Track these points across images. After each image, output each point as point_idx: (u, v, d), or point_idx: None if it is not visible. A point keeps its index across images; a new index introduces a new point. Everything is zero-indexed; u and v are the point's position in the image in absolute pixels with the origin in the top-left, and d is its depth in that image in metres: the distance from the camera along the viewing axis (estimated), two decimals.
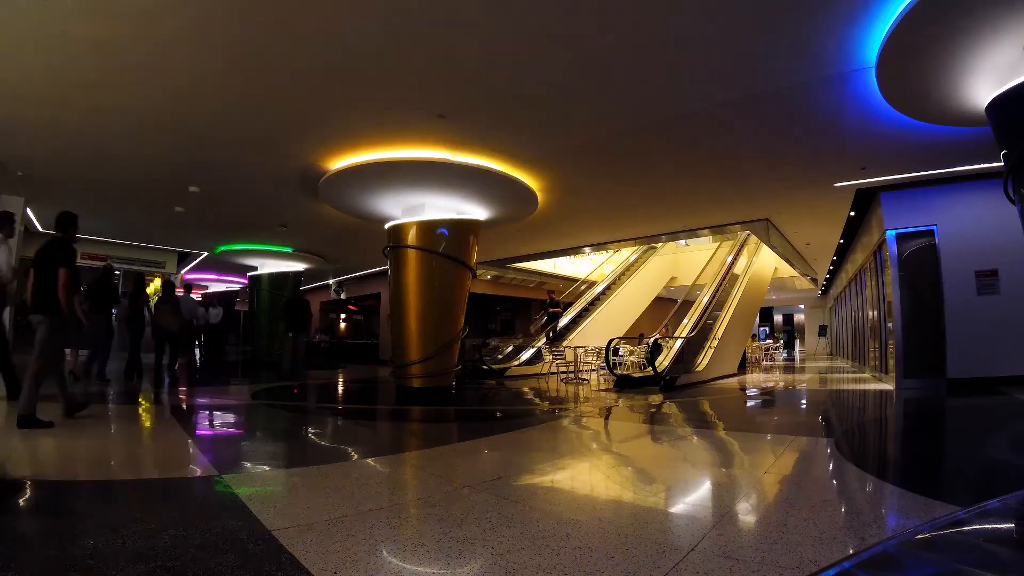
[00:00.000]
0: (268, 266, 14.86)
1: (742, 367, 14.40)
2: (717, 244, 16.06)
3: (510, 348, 14.03)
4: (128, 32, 4.26)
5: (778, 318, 32.30)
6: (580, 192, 8.55)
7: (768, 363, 18.18)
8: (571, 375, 11.36)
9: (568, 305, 15.32)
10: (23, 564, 1.77)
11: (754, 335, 19.48)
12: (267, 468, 3.66)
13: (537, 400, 8.20)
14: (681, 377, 9.92)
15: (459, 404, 7.77)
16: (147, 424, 5.33)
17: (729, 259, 13.46)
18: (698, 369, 10.70)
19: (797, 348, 29.42)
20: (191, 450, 4.02)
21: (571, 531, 2.31)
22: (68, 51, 4.56)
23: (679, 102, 5.38)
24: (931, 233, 8.00)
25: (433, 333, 8.24)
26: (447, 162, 6.80)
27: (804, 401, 8.38)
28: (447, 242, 8.25)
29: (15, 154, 7.17)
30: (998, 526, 0.77)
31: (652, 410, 7.02)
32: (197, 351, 12.01)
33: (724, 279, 12.73)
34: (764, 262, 14.88)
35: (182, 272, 17.04)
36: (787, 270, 16.66)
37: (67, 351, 8.13)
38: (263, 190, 8.57)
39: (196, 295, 21.66)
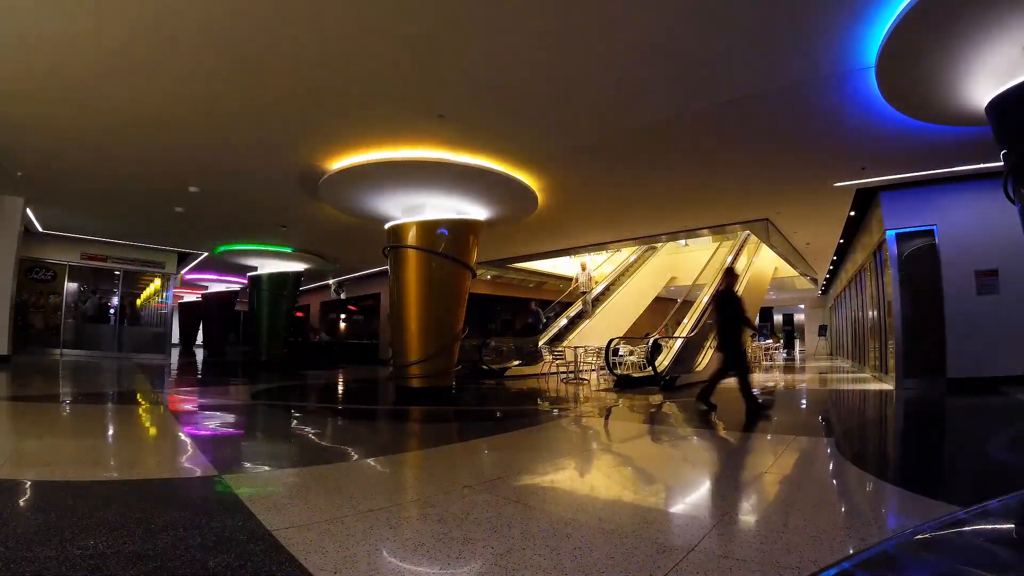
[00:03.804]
0: (268, 266, 14.86)
1: None
2: (717, 244, 16.07)
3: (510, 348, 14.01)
4: (129, 33, 4.26)
5: (778, 318, 32.30)
6: (580, 192, 8.55)
7: (768, 363, 18.17)
8: (571, 375, 11.35)
9: (568, 305, 15.32)
10: (22, 564, 1.77)
11: (754, 334, 19.44)
12: (267, 468, 3.66)
13: (537, 400, 8.20)
14: (681, 377, 9.92)
15: (459, 404, 7.76)
16: (146, 423, 5.33)
17: (729, 259, 13.45)
18: (698, 369, 10.69)
19: (797, 348, 29.44)
20: (191, 449, 4.02)
21: (571, 531, 2.31)
22: (69, 52, 4.56)
23: (679, 102, 5.37)
24: (931, 233, 8.00)
25: (433, 333, 8.24)
26: (447, 162, 6.79)
27: (804, 401, 8.38)
28: (447, 242, 8.25)
29: (15, 154, 7.17)
30: (998, 526, 0.77)
31: (652, 410, 7.02)
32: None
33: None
34: (764, 262, 14.88)
35: (182, 272, 17.04)
36: (787, 270, 16.66)
37: None
38: (263, 190, 8.57)
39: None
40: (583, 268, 15.10)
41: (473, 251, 8.73)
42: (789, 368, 16.77)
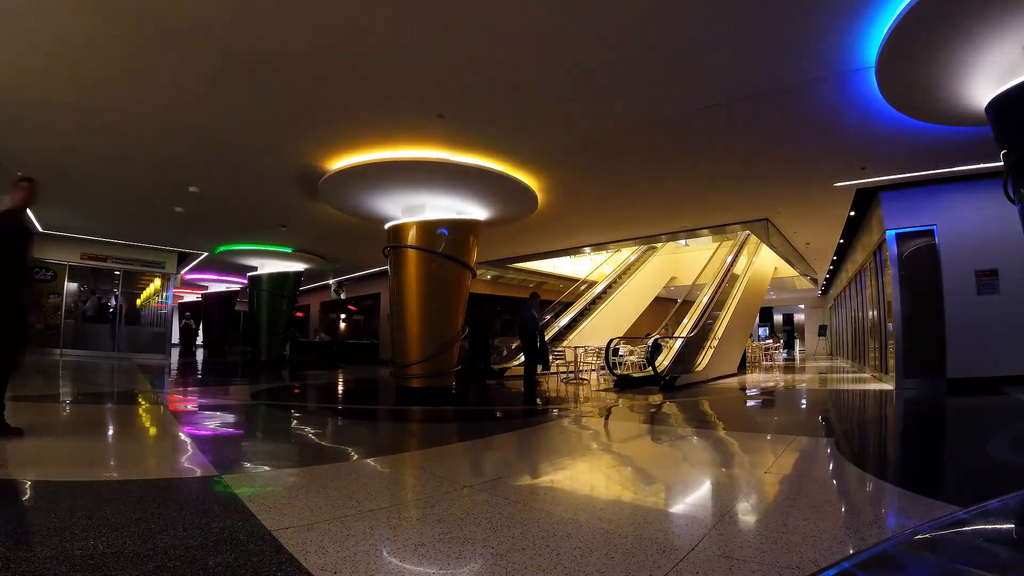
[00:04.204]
0: (268, 266, 14.87)
1: (742, 367, 14.40)
2: (717, 244, 16.06)
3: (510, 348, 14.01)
4: (128, 34, 4.26)
5: (778, 318, 32.31)
6: (580, 192, 8.55)
7: (768, 363, 18.18)
8: (571, 375, 11.36)
9: (568, 305, 15.30)
10: (23, 564, 1.77)
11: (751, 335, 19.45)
12: (267, 468, 3.66)
13: (537, 400, 8.19)
14: (681, 377, 9.92)
15: (459, 404, 7.77)
16: (147, 424, 5.33)
17: (729, 259, 13.45)
18: (698, 369, 10.69)
19: (797, 348, 29.45)
20: (191, 449, 4.02)
21: (571, 531, 2.31)
22: (68, 53, 4.56)
23: (679, 102, 5.38)
24: (931, 233, 8.00)
25: (433, 333, 8.24)
26: (447, 162, 6.80)
27: (804, 401, 8.38)
28: (447, 242, 8.25)
29: (15, 154, 7.17)
30: (998, 526, 0.77)
31: (652, 410, 7.02)
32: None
33: (724, 279, 12.73)
34: (764, 262, 14.88)
35: (182, 272, 17.04)
36: (787, 270, 16.66)
37: None
38: (263, 190, 8.57)
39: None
40: None
41: (473, 251, 8.73)
42: (789, 368, 16.78)
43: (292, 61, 4.69)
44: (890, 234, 8.28)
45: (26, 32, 4.29)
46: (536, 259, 15.63)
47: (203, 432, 4.97)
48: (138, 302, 15.70)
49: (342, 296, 21.60)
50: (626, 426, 5.98)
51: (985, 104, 4.73)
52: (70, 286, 14.29)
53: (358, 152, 6.76)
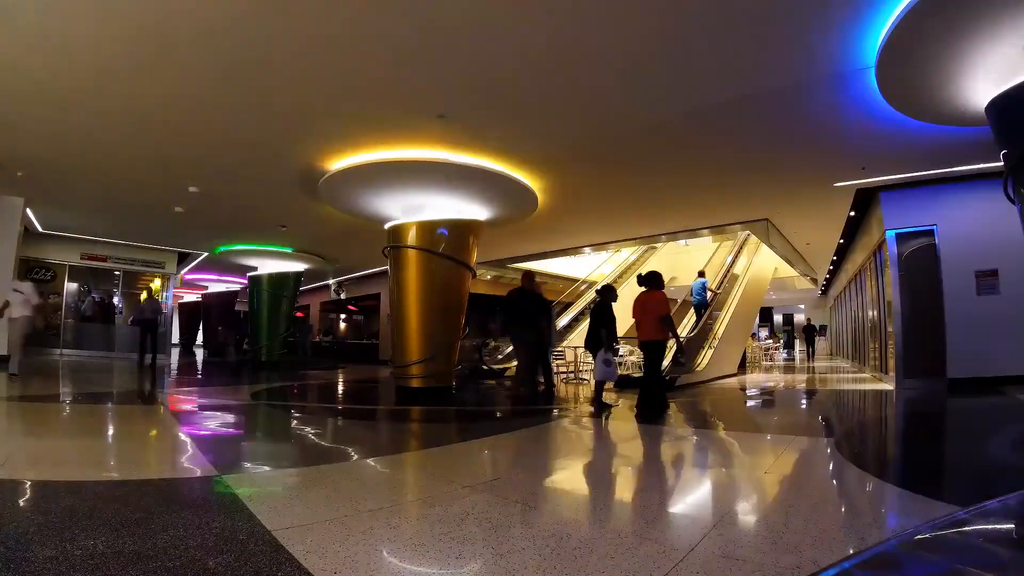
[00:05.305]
0: (268, 266, 14.85)
1: (742, 367, 14.40)
2: (717, 244, 16.05)
3: (510, 348, 14.01)
4: (129, 35, 4.26)
5: (778, 318, 32.28)
6: (580, 192, 8.55)
7: (768, 363, 18.18)
8: (571, 375, 11.35)
9: (568, 305, 15.28)
10: (22, 564, 1.77)
11: (753, 334, 19.45)
12: (267, 468, 3.66)
13: (537, 400, 8.18)
14: (681, 377, 9.91)
15: (459, 404, 7.76)
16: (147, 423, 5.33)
17: (729, 259, 13.44)
18: (698, 369, 10.69)
19: (797, 348, 29.42)
20: (191, 449, 4.02)
21: (571, 531, 2.31)
22: (69, 53, 4.56)
23: (679, 102, 5.38)
24: (931, 233, 8.00)
25: (433, 333, 8.23)
26: (447, 162, 6.79)
27: (804, 401, 8.38)
28: (447, 242, 8.25)
29: (15, 154, 7.17)
30: (998, 526, 0.77)
31: None
32: None
33: (724, 279, 12.72)
34: (764, 262, 14.87)
35: (182, 272, 17.03)
36: (787, 270, 16.65)
37: None
38: (263, 190, 8.57)
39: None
40: None
41: (473, 251, 8.73)
42: (789, 368, 16.77)
43: (292, 61, 4.69)
44: (890, 234, 8.28)
45: (29, 33, 4.29)
46: (536, 259, 15.61)
47: (203, 432, 4.97)
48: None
49: (342, 296, 21.59)
50: (626, 426, 5.98)
51: (985, 104, 4.72)
52: (70, 286, 14.28)
53: (358, 152, 6.76)
